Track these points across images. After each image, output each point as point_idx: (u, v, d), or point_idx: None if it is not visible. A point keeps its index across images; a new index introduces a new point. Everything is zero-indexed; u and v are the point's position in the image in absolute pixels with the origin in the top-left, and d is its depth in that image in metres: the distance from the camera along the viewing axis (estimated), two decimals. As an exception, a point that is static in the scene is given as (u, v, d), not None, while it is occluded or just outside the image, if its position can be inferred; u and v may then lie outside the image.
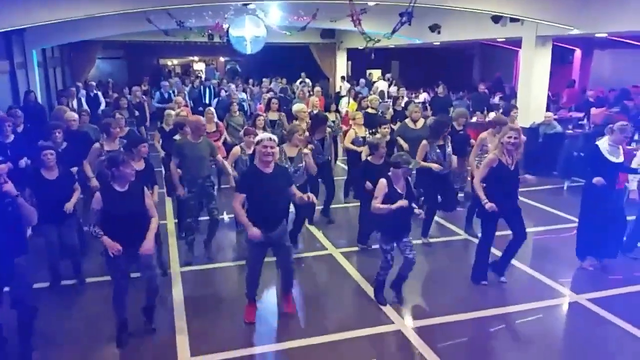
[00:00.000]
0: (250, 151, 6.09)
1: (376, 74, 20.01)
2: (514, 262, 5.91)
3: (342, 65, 19.75)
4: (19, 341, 4.07)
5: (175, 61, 25.70)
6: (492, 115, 10.49)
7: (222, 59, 25.39)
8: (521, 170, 5.47)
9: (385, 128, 7.16)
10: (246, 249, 4.73)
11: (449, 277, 5.78)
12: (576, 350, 4.46)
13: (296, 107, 8.49)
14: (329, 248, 6.57)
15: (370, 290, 5.38)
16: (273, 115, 8.91)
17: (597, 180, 5.46)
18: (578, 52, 16.27)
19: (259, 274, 4.74)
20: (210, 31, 13.66)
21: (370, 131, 7.75)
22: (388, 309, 4.99)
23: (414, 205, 4.91)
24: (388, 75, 18.34)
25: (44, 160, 5.00)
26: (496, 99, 14.32)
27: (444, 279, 5.73)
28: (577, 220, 6.22)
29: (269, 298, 5.27)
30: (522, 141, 5.35)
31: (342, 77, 18.51)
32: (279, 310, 4.99)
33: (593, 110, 10.61)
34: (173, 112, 7.96)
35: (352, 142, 7.56)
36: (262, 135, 4.61)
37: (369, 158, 6.11)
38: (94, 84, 12.80)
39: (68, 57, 16.57)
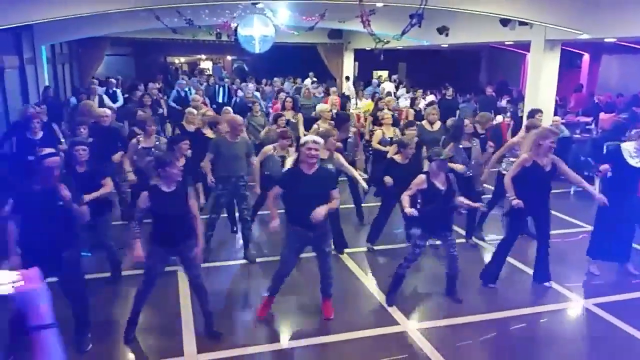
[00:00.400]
0: (283, 152, 6.20)
1: (383, 75, 20.03)
2: (521, 266, 5.91)
3: (349, 65, 19.74)
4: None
5: (183, 59, 25.75)
6: (499, 118, 10.49)
7: (229, 57, 25.41)
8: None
9: (412, 130, 7.09)
10: (283, 245, 4.79)
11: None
12: (582, 355, 4.46)
13: (320, 107, 8.49)
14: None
15: (376, 291, 5.39)
16: (288, 115, 8.94)
17: (603, 167, 5.46)
18: (586, 57, 16.23)
19: (290, 271, 4.76)
20: (218, 30, 13.69)
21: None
22: (394, 311, 5.00)
23: (463, 201, 5.02)
24: (395, 77, 18.34)
25: (76, 155, 4.94)
26: (503, 102, 14.30)
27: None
28: (584, 225, 6.22)
29: (277, 297, 5.27)
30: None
31: (347, 78, 18.50)
32: (286, 309, 5.00)
33: (602, 116, 10.59)
34: (195, 111, 7.96)
35: (380, 142, 7.62)
36: (306, 137, 4.65)
37: (395, 157, 6.17)
38: (113, 81, 12.87)
39: (76, 53, 16.63)
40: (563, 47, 10.97)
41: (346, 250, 6.50)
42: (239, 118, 6.34)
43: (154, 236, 4.28)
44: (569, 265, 6.14)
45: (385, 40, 7.94)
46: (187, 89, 12.13)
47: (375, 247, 6.51)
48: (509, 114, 11.66)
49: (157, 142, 6.29)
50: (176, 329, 4.62)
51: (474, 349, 4.50)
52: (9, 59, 10.11)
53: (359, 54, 19.68)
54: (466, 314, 4.96)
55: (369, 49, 17.75)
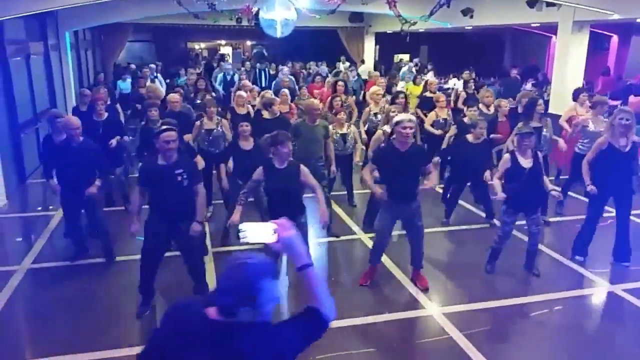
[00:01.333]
0: (342, 130, 6.74)
1: (404, 58, 19.79)
2: (547, 250, 5.83)
3: (370, 49, 19.53)
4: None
5: (203, 45, 25.78)
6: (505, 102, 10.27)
7: (248, 42, 25.37)
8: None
9: (474, 110, 7.14)
10: (379, 218, 5.10)
11: (481, 264, 5.73)
12: (609, 339, 4.39)
13: (372, 89, 8.48)
14: (358, 233, 6.57)
15: (400, 275, 5.38)
16: (341, 98, 9.01)
17: None
18: (615, 39, 15.78)
19: (387, 241, 5.07)
20: (240, 14, 13.62)
21: (423, 112, 8.20)
22: (419, 295, 4.98)
23: (548, 185, 5.12)
24: (416, 60, 18.10)
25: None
26: (528, 85, 14.00)
27: (476, 266, 5.68)
28: (612, 210, 6.09)
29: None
30: (633, 123, 5.31)
31: (362, 61, 18.31)
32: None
33: (631, 99, 10.31)
34: (244, 94, 8.14)
35: (432, 125, 7.68)
36: (401, 116, 4.79)
37: (468, 137, 6.30)
38: (153, 66, 13.13)
39: (99, 39, 16.76)
40: (591, 29, 10.69)
41: (368, 234, 6.48)
42: (316, 102, 6.56)
43: (269, 211, 4.53)
44: (596, 250, 6.03)
45: (412, 22, 7.84)
46: (232, 73, 12.28)
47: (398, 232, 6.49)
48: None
49: (220, 124, 6.53)
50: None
51: (500, 333, 4.47)
52: (34, 45, 10.20)
53: (380, 38, 19.46)
54: (492, 298, 4.92)
55: (390, 31, 17.62)
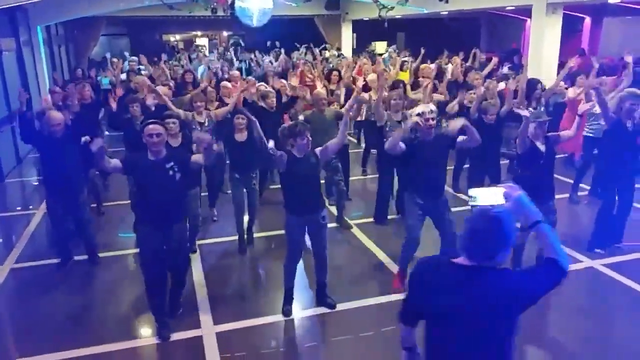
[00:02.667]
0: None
1: (381, 45, 19.81)
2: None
3: (347, 37, 19.52)
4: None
5: (178, 36, 25.46)
6: (502, 85, 10.40)
7: (225, 33, 25.14)
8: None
9: (473, 93, 7.18)
10: (408, 214, 4.88)
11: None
12: (592, 312, 4.53)
13: (370, 77, 8.48)
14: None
15: (387, 261, 5.44)
16: (333, 86, 9.04)
17: None
18: (588, 20, 16.04)
19: (418, 237, 4.77)
20: (215, 4, 13.49)
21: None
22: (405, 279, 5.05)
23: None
24: (393, 47, 18.14)
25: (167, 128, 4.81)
26: (505, 69, 14.15)
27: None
28: (588, 187, 6.30)
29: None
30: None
31: (338, 49, 18.28)
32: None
33: (605, 79, 10.48)
34: (230, 85, 8.04)
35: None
36: (422, 107, 4.67)
37: (484, 117, 6.21)
38: (136, 58, 12.92)
39: (72, 34, 16.44)
40: (565, 11, 10.84)
41: (354, 221, 6.54)
42: (322, 92, 6.53)
43: (287, 205, 4.39)
44: (575, 227, 6.18)
45: (389, 7, 7.85)
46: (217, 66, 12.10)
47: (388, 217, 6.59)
48: (511, 80, 11.57)
49: (209, 118, 6.37)
50: (192, 303, 4.69)
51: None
52: (6, 41, 9.97)
53: (357, 25, 19.45)
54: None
55: (367, 19, 17.62)
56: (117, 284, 5.18)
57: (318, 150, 4.37)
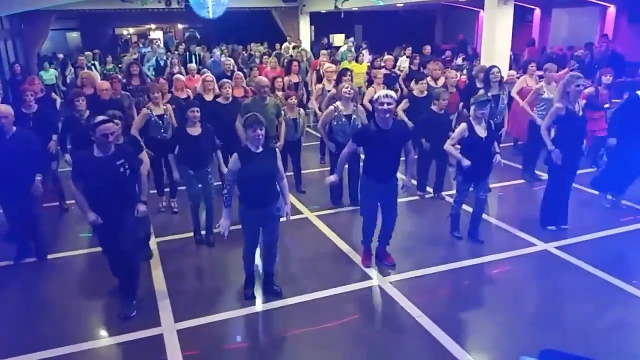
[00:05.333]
0: (293, 115, 6.72)
1: (339, 37, 19.86)
2: (484, 216, 6.09)
3: (305, 29, 19.44)
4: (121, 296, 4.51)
5: (132, 30, 24.82)
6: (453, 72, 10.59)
7: (180, 26, 24.67)
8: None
9: (423, 84, 7.27)
10: (362, 198, 5.02)
11: (423, 232, 5.95)
12: (546, 293, 4.69)
13: (327, 66, 8.48)
14: (305, 212, 6.62)
15: (348, 250, 5.49)
16: (294, 78, 9.00)
17: None
18: (537, 12, 16.50)
19: (375, 220, 4.97)
20: (168, -4, 13.23)
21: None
22: (366, 266, 5.10)
23: (496, 148, 5.32)
24: (351, 39, 18.20)
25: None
26: (459, 60, 14.44)
27: (418, 234, 5.89)
28: (542, 174, 6.50)
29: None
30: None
31: (296, 47, 18.18)
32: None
33: (554, 71, 10.82)
34: (183, 78, 8.00)
35: (370, 101, 7.66)
36: (378, 92, 4.65)
37: (433, 107, 6.42)
38: (89, 54, 12.63)
39: (18, 28, 15.78)
40: (516, 2, 11.09)
41: (315, 212, 6.56)
42: (264, 79, 6.56)
43: (241, 197, 4.34)
44: (530, 212, 6.36)
45: (345, -3, 7.86)
46: (164, 58, 11.88)
47: (344, 209, 6.64)
48: (464, 71, 11.81)
49: (166, 110, 6.29)
50: (152, 301, 4.61)
51: (445, 296, 4.66)
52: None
53: (315, 17, 19.42)
54: (436, 264, 5.12)
55: (324, 11, 17.61)
56: (73, 284, 5.03)
57: (278, 153, 4.39)
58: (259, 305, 4.54)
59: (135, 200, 4.35)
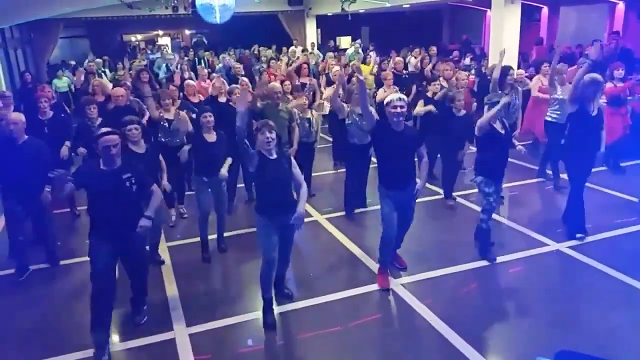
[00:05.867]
0: (306, 114, 6.64)
1: (346, 40, 19.85)
2: (495, 216, 6.05)
3: (311, 32, 19.47)
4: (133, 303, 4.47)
5: (140, 36, 24.98)
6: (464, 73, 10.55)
7: (187, 32, 24.79)
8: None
9: (435, 85, 7.24)
10: (382, 207, 4.75)
11: (434, 234, 5.91)
12: (560, 294, 4.64)
13: (335, 69, 8.64)
14: (315, 215, 6.62)
15: (359, 253, 5.47)
16: (305, 80, 9.04)
17: None
18: (545, 10, 16.39)
19: (395, 230, 4.70)
20: (175, 2, 13.30)
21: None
22: (377, 268, 5.07)
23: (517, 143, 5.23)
24: (358, 41, 18.19)
25: (128, 135, 4.65)
26: (467, 60, 14.36)
27: (429, 236, 5.85)
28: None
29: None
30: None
31: (304, 50, 18.20)
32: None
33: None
34: (194, 83, 7.96)
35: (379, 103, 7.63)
36: (390, 96, 4.59)
37: (453, 110, 6.36)
38: (100, 60, 12.62)
39: (28, 37, 15.94)
40: (522, 1, 11.03)
41: (325, 215, 6.56)
42: (277, 85, 6.50)
43: (258, 206, 4.28)
44: (541, 212, 6.32)
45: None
46: (174, 63, 11.86)
47: (357, 211, 6.61)
48: (473, 71, 11.75)
49: (178, 115, 6.11)
50: (164, 305, 4.62)
51: (457, 298, 4.63)
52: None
53: (321, 20, 19.43)
54: (448, 266, 5.09)
55: (330, 14, 17.62)
56: (83, 290, 5.04)
57: (294, 161, 4.30)
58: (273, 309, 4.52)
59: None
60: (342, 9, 8.01)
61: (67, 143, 6.23)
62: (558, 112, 6.89)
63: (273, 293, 4.42)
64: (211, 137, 5.35)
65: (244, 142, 4.04)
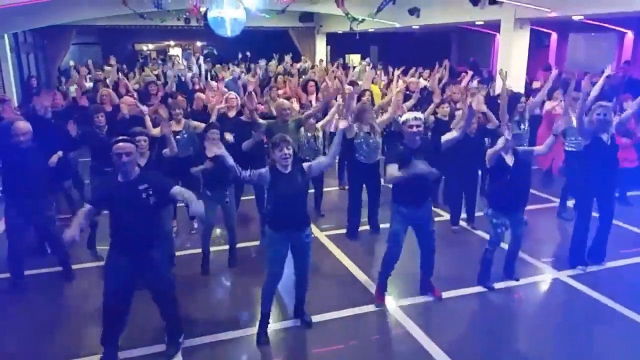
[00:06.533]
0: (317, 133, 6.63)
1: (355, 58, 19.99)
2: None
3: (321, 49, 19.64)
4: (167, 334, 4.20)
5: (151, 46, 25.23)
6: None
7: (198, 43, 25.03)
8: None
9: (445, 107, 7.22)
10: (391, 227, 4.72)
11: (438, 258, 5.86)
12: (558, 324, 4.58)
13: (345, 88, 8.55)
14: (315, 232, 6.59)
15: (357, 272, 5.43)
16: (311, 97, 9.07)
17: None
18: (554, 36, 16.46)
19: (399, 254, 4.71)
20: (187, 14, 13.44)
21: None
22: (374, 290, 5.03)
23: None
24: (367, 60, 18.29)
25: (137, 146, 4.45)
26: (475, 83, 14.39)
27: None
28: (553, 199, 6.38)
29: (257, 281, 5.24)
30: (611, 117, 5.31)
31: (314, 66, 18.31)
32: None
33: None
34: (203, 96, 7.96)
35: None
36: (407, 115, 4.59)
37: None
38: (109, 68, 12.68)
39: (41, 42, 16.14)
40: (532, 27, 11.11)
41: (326, 232, 6.53)
42: (285, 102, 6.49)
43: (271, 221, 4.23)
44: (542, 239, 6.28)
45: (360, 19, 7.93)
46: (186, 74, 11.90)
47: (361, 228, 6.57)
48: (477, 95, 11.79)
49: (188, 127, 6.25)
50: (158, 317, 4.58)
51: (453, 323, 4.58)
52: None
53: (331, 38, 19.59)
54: (445, 289, 5.04)
55: (341, 32, 17.77)
56: (89, 297, 5.02)
57: (306, 165, 4.25)
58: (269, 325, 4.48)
59: (163, 237, 4.02)
60: (351, 28, 8.07)
61: (59, 153, 5.98)
62: (576, 141, 6.53)
63: (270, 309, 4.39)
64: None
65: (243, 178, 4.09)
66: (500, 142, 4.83)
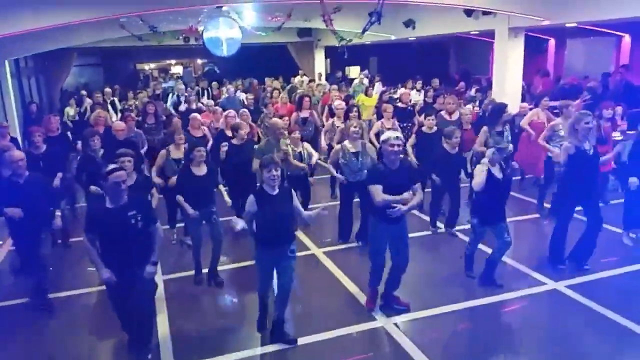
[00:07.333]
0: (299, 148, 6.71)
1: (355, 70, 20.06)
2: (487, 249, 5.99)
3: (320, 63, 19.73)
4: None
5: (152, 65, 25.47)
6: (469, 107, 10.59)
7: (199, 61, 25.23)
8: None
9: (431, 119, 7.27)
10: (372, 240, 4.87)
11: (431, 270, 5.86)
12: (556, 336, 4.55)
13: (337, 103, 8.74)
14: (312, 248, 6.60)
15: (353, 289, 5.43)
16: (305, 113, 9.11)
17: None
18: (552, 42, 16.48)
19: (384, 266, 4.87)
20: (185, 34, 13.59)
21: (402, 125, 8.22)
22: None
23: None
24: (366, 72, 18.36)
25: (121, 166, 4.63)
26: (472, 92, 14.42)
27: (422, 273, 5.79)
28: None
29: (253, 301, 5.24)
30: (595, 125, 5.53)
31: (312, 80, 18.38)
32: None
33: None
34: (199, 116, 8.04)
35: (377, 134, 7.66)
36: (388, 133, 4.66)
37: (445, 146, 6.39)
38: (109, 90, 12.87)
39: (42, 66, 16.31)
40: (529, 33, 11.12)
41: (323, 249, 6.54)
42: (280, 122, 6.65)
43: (258, 238, 4.35)
44: (539, 249, 6.24)
45: (347, 39, 8.06)
46: (180, 94, 11.79)
47: (351, 245, 6.61)
48: (477, 103, 11.81)
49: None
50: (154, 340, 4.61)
51: (451, 339, 4.56)
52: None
53: (330, 51, 19.69)
54: (441, 304, 5.02)
55: (338, 46, 17.87)
56: (78, 323, 5.05)
57: (294, 193, 4.47)
58: (258, 349, 4.48)
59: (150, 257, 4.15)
60: (339, 47, 8.19)
61: (60, 175, 6.20)
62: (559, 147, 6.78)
63: (268, 303, 4.68)
64: (200, 170, 5.42)
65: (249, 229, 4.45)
66: (489, 153, 4.93)
